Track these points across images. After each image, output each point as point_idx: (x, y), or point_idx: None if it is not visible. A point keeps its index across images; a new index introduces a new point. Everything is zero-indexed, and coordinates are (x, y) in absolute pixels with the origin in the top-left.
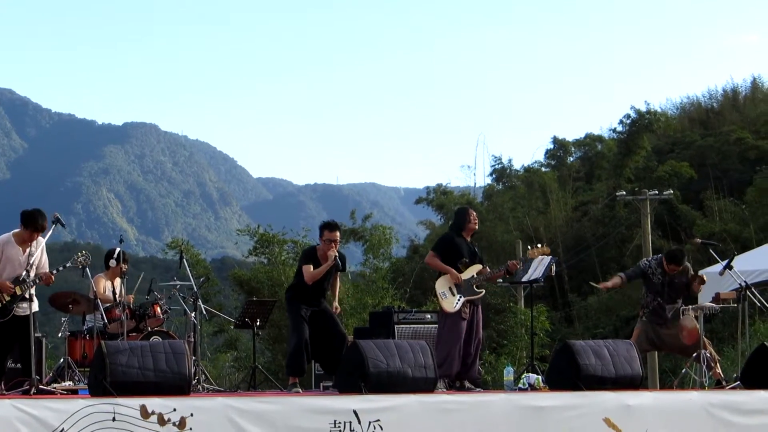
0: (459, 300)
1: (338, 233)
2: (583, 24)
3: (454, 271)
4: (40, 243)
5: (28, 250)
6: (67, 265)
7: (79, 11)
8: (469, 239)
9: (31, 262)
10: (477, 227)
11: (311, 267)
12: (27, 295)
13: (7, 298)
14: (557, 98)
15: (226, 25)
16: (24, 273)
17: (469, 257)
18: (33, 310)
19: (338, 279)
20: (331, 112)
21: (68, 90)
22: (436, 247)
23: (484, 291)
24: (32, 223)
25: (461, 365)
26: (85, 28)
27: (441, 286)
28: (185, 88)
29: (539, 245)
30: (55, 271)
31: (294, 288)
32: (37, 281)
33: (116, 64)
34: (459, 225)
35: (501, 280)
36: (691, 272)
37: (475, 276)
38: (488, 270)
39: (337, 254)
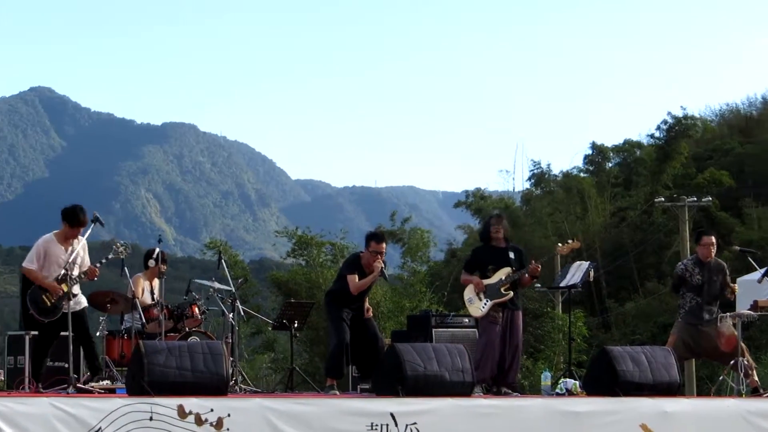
0: (485, 304)
1: (385, 245)
2: (627, 30)
3: (476, 278)
4: (82, 241)
5: (70, 248)
6: (110, 256)
7: (121, 10)
8: (502, 245)
9: (73, 259)
10: (500, 236)
11: (356, 277)
12: (73, 292)
13: (54, 298)
14: (597, 104)
15: (267, 26)
16: (65, 271)
17: (497, 263)
18: (83, 305)
19: None
20: (370, 114)
21: (107, 89)
22: (466, 265)
23: (512, 293)
24: (74, 218)
25: (497, 370)
26: (125, 27)
27: (468, 292)
28: (225, 89)
29: (569, 240)
30: (98, 264)
31: (334, 293)
32: (82, 277)
33: (156, 63)
34: (485, 236)
35: (539, 285)
36: (728, 277)
37: (503, 278)
38: (516, 272)
39: (383, 266)
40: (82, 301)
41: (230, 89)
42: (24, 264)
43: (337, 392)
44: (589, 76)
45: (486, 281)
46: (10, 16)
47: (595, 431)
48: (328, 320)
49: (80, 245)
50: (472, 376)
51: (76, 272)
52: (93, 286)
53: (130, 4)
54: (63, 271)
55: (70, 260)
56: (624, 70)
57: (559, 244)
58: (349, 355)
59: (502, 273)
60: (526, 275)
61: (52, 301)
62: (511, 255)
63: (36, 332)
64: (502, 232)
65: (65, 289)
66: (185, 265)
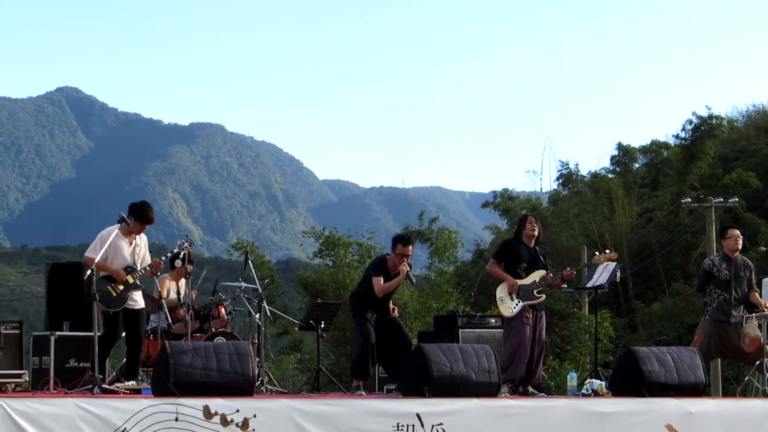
0: (517, 305)
1: (411, 247)
2: (655, 30)
3: (511, 277)
4: (143, 237)
5: (133, 242)
6: (175, 250)
7: (147, 11)
8: (532, 245)
9: (137, 252)
10: (536, 234)
11: (381, 279)
12: (138, 283)
13: (121, 287)
14: (625, 104)
15: (295, 28)
16: (132, 263)
17: (529, 263)
18: (141, 305)
19: None
20: (398, 115)
21: (134, 89)
22: (496, 254)
23: (544, 296)
24: (144, 215)
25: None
26: (152, 27)
27: (500, 291)
28: (252, 89)
29: (607, 251)
30: (164, 258)
31: (359, 295)
32: (148, 269)
33: (183, 64)
34: (518, 231)
35: (565, 286)
36: (754, 276)
37: (537, 281)
38: (550, 275)
39: (409, 269)
40: (140, 301)
41: (258, 89)
42: (86, 253)
43: (364, 393)
44: (617, 76)
45: (519, 281)
46: (37, 16)
47: None
48: (354, 321)
49: (143, 241)
50: (498, 376)
51: (139, 267)
52: None
53: (157, 4)
54: (128, 263)
55: (137, 253)
56: (651, 70)
57: (597, 253)
58: (375, 355)
59: (537, 275)
60: (557, 279)
61: (118, 291)
62: (540, 255)
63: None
64: (537, 230)
65: (131, 280)
66: (212, 266)
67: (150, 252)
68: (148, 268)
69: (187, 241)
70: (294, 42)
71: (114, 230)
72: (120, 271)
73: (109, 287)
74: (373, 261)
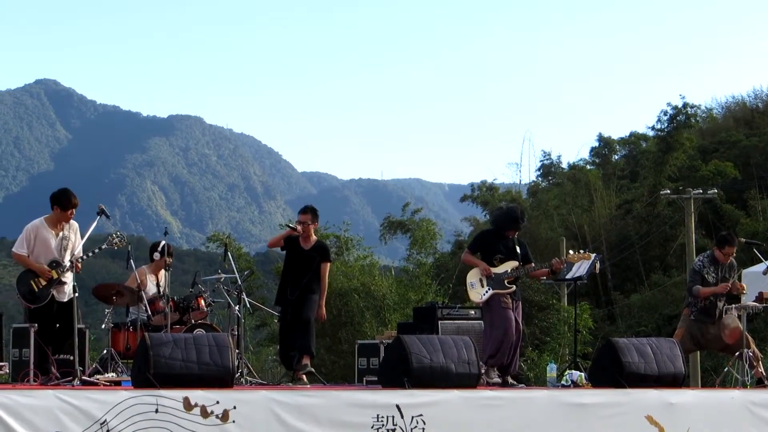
0: (487, 292)
1: (310, 216)
2: (632, 22)
3: (485, 263)
4: (74, 226)
5: (60, 233)
6: (103, 246)
7: (125, 3)
8: (511, 236)
9: (64, 245)
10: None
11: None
12: (64, 279)
13: (44, 283)
14: (604, 96)
15: (273, 20)
16: (56, 256)
17: (504, 253)
18: (71, 296)
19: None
20: (377, 106)
21: (113, 81)
22: (472, 245)
23: (515, 287)
24: (66, 201)
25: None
26: (130, 19)
27: (472, 276)
28: (231, 81)
29: (581, 251)
30: (90, 254)
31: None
32: (69, 266)
33: (162, 55)
34: (501, 222)
35: (544, 277)
36: (735, 272)
37: (509, 271)
38: (532, 265)
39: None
40: (70, 293)
41: (237, 81)
42: (14, 249)
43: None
44: (597, 68)
45: (493, 269)
46: (16, 8)
47: (600, 423)
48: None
49: (72, 231)
50: (477, 367)
51: (67, 259)
52: (99, 279)
53: None
54: (54, 257)
55: (64, 245)
56: (631, 62)
57: (571, 252)
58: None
59: (509, 265)
60: (547, 271)
61: (41, 286)
62: (518, 249)
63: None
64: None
65: (55, 275)
66: (191, 258)
67: (124, 234)
68: (68, 265)
69: (117, 237)
70: (272, 35)
71: (39, 223)
72: (44, 267)
73: (32, 282)
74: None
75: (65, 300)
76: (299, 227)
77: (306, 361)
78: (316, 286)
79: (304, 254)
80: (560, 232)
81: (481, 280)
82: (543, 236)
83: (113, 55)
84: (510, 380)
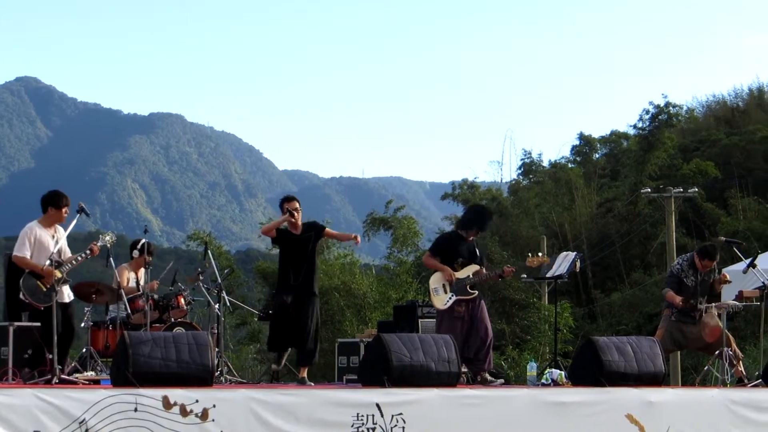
0: (451, 298)
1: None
2: (612, 21)
3: (448, 268)
4: (60, 229)
5: (55, 234)
6: (99, 244)
7: (105, 0)
8: (471, 239)
9: (60, 246)
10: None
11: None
12: (66, 277)
13: (49, 285)
14: (585, 94)
15: (254, 18)
16: (56, 256)
17: (466, 257)
18: (72, 298)
19: None
20: (357, 104)
21: (94, 79)
22: (433, 248)
23: (477, 293)
24: (59, 200)
25: (465, 361)
26: (111, 17)
27: (434, 281)
28: (212, 79)
29: (539, 254)
30: (79, 258)
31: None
32: (74, 263)
33: (143, 54)
34: (468, 224)
35: (525, 276)
36: (716, 274)
37: (470, 276)
38: (484, 272)
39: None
40: (69, 293)
41: (218, 79)
42: (15, 252)
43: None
44: (579, 66)
45: (456, 274)
46: None
47: (580, 421)
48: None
49: (59, 233)
50: (458, 366)
51: (64, 257)
52: (78, 277)
53: None
54: (54, 257)
55: (59, 246)
56: (613, 61)
57: (530, 255)
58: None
59: (470, 269)
60: (497, 275)
61: (48, 286)
62: (476, 250)
63: (18, 323)
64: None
65: (59, 274)
66: (171, 256)
67: (114, 233)
68: (74, 262)
69: (108, 234)
70: (253, 33)
71: (35, 225)
72: (49, 268)
73: (38, 283)
74: None
75: (66, 301)
76: (296, 214)
77: (304, 374)
78: (316, 279)
79: (298, 239)
80: (541, 230)
81: (444, 286)
82: (524, 234)
83: (94, 52)
84: (488, 378)
